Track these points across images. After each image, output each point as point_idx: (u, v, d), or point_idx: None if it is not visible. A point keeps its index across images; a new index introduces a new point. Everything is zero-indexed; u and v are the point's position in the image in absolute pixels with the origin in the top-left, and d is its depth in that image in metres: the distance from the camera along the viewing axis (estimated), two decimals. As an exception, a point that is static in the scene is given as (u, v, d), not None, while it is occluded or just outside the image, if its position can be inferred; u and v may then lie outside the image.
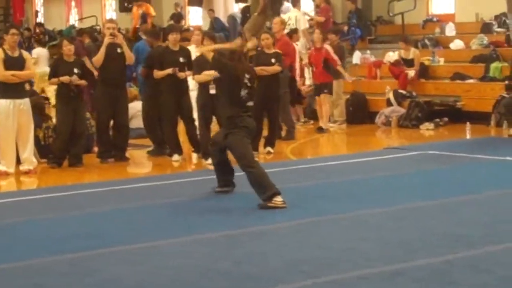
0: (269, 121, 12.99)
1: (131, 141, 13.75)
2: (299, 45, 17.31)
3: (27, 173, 11.61)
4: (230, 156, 9.33)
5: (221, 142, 9.13)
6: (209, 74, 11.69)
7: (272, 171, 10.34)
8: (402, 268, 6.21)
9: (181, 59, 12.40)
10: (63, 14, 32.81)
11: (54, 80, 12.11)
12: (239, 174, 9.27)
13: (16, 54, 11.48)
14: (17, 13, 33.96)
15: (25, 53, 11.81)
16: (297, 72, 16.31)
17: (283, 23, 15.56)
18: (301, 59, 16.78)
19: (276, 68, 12.81)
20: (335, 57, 15.79)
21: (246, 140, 9.01)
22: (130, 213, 8.70)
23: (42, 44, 25.84)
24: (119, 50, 12.40)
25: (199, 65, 11.79)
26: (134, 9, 25.67)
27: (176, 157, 12.49)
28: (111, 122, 12.60)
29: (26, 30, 30.01)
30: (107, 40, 12.36)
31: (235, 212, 8.58)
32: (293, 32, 17.08)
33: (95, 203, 9.39)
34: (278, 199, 8.54)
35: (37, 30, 30.53)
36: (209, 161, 11.61)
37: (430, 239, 7.13)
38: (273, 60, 12.80)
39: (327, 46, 15.84)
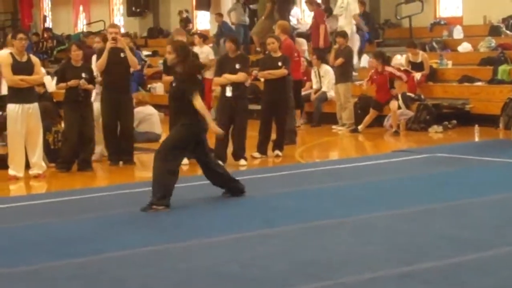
0: (277, 124, 12.96)
1: (139, 145, 13.77)
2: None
3: (36, 177, 11.60)
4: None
5: None
6: (229, 78, 11.76)
7: (281, 174, 10.36)
8: (410, 270, 6.20)
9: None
10: (71, 19, 32.86)
11: (62, 85, 12.10)
12: (247, 177, 9.28)
13: (24, 58, 11.47)
14: (25, 18, 34.04)
15: (33, 58, 11.78)
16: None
17: (280, 27, 15.45)
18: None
19: (283, 71, 12.79)
20: (399, 74, 16.29)
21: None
22: (137, 216, 8.71)
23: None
24: (122, 55, 12.42)
25: (218, 68, 11.92)
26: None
27: (185, 160, 12.46)
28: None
29: (34, 35, 30.08)
30: (109, 44, 12.38)
31: (242, 215, 8.59)
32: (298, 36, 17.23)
33: (103, 207, 9.40)
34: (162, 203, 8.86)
35: (45, 35, 30.60)
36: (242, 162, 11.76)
37: (439, 241, 7.12)
38: (279, 64, 12.80)
39: (389, 68, 16.16)
